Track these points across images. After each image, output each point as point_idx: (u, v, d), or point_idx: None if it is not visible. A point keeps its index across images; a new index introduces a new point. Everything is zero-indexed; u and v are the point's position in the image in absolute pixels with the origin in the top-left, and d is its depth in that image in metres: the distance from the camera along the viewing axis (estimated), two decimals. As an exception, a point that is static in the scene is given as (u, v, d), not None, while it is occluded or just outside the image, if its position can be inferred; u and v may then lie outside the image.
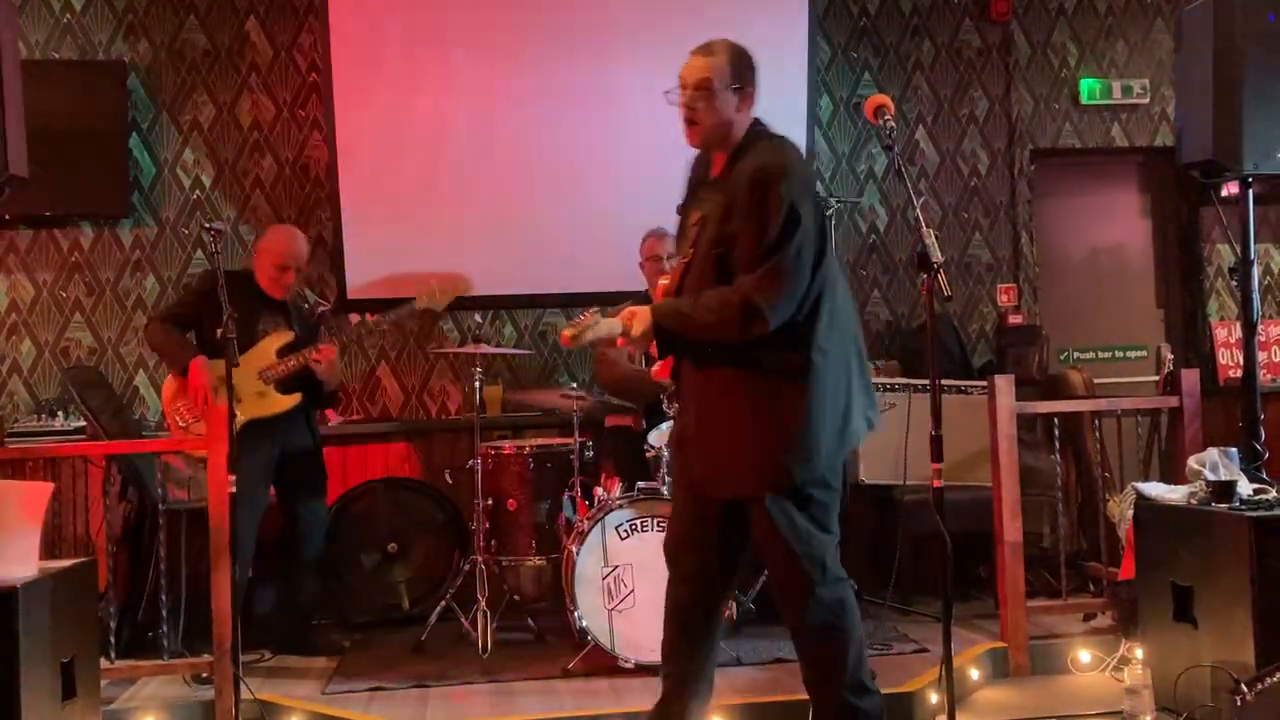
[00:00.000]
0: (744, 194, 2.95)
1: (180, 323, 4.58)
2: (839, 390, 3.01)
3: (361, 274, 5.63)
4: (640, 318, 3.05)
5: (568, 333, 3.08)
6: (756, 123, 3.14)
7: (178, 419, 4.50)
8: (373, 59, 5.66)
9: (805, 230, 2.92)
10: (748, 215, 2.94)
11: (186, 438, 4.41)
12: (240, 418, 4.41)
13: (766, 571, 3.21)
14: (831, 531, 3.06)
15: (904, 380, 4.95)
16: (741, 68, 3.13)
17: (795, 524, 2.98)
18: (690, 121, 3.09)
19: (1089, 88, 6.26)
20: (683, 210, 3.32)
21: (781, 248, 2.90)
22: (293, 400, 4.56)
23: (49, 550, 3.93)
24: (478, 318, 5.19)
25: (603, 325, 3.08)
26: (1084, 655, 4.16)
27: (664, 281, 3.26)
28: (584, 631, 4.14)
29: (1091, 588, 4.67)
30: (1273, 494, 3.61)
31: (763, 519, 2.99)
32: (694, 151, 3.30)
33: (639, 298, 5.06)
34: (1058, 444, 4.48)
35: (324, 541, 4.76)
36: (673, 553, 3.21)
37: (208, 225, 3.99)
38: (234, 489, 3.69)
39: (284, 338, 4.58)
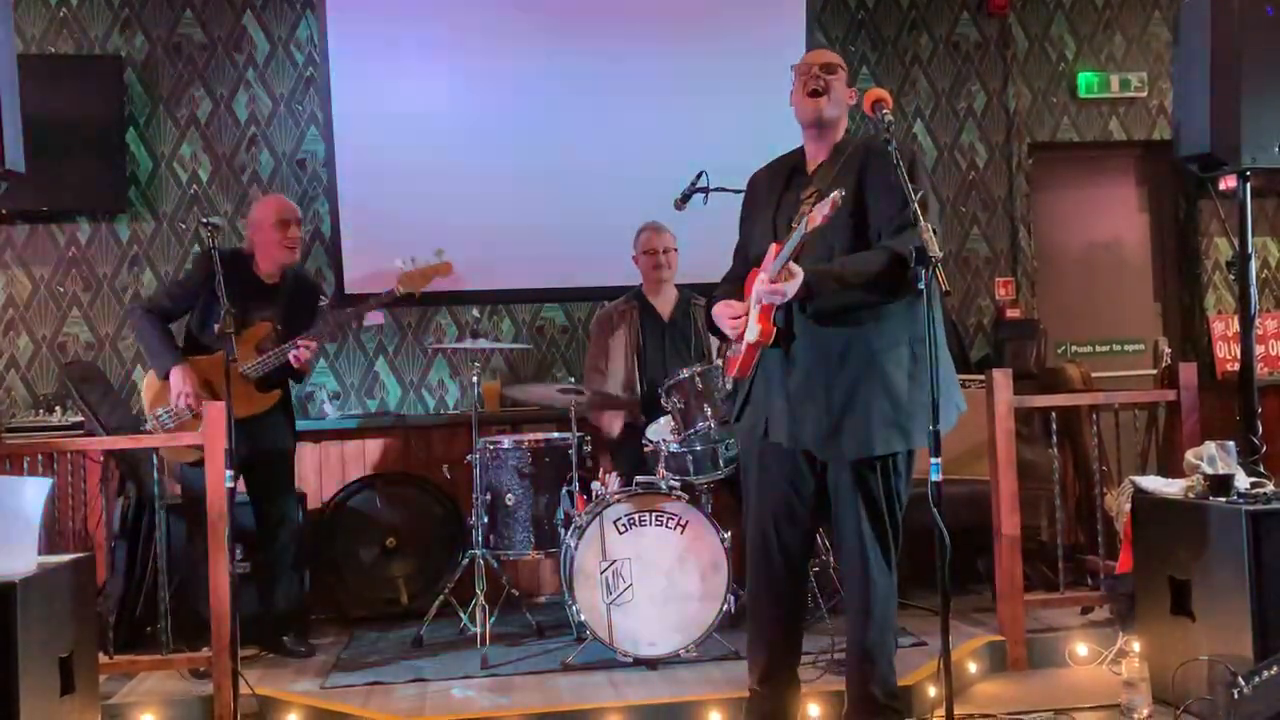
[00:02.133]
0: (886, 167, 3.08)
1: (166, 314, 4.49)
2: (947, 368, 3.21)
3: (359, 268, 5.62)
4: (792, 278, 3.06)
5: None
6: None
7: (156, 425, 4.41)
8: (370, 53, 5.66)
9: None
10: (890, 186, 3.07)
11: (178, 435, 4.37)
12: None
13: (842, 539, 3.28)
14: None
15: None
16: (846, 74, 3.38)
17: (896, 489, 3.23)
18: (818, 92, 3.27)
19: (1087, 81, 6.27)
20: (773, 205, 3.38)
21: (922, 214, 3.00)
22: (273, 398, 4.51)
23: (47, 545, 3.92)
24: (475, 312, 5.20)
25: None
26: (1081, 648, 4.17)
27: (775, 245, 3.19)
28: (582, 625, 4.15)
29: (1089, 581, 4.67)
30: (1270, 487, 3.61)
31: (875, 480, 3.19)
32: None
33: (635, 292, 5.09)
34: (1055, 438, 4.48)
35: (292, 540, 4.61)
36: (769, 525, 3.32)
37: (205, 220, 3.98)
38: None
39: (262, 330, 4.46)
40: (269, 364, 4.41)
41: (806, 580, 3.46)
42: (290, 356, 4.40)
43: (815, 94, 3.26)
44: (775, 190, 3.40)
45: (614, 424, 4.99)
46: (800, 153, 3.41)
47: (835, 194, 2.95)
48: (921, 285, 2.87)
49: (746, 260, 3.40)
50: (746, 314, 3.24)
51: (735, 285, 3.37)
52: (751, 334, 3.20)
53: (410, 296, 4.63)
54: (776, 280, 3.05)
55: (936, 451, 2.94)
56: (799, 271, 3.03)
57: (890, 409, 3.14)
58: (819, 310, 3.16)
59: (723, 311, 3.31)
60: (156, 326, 4.44)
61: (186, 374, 4.34)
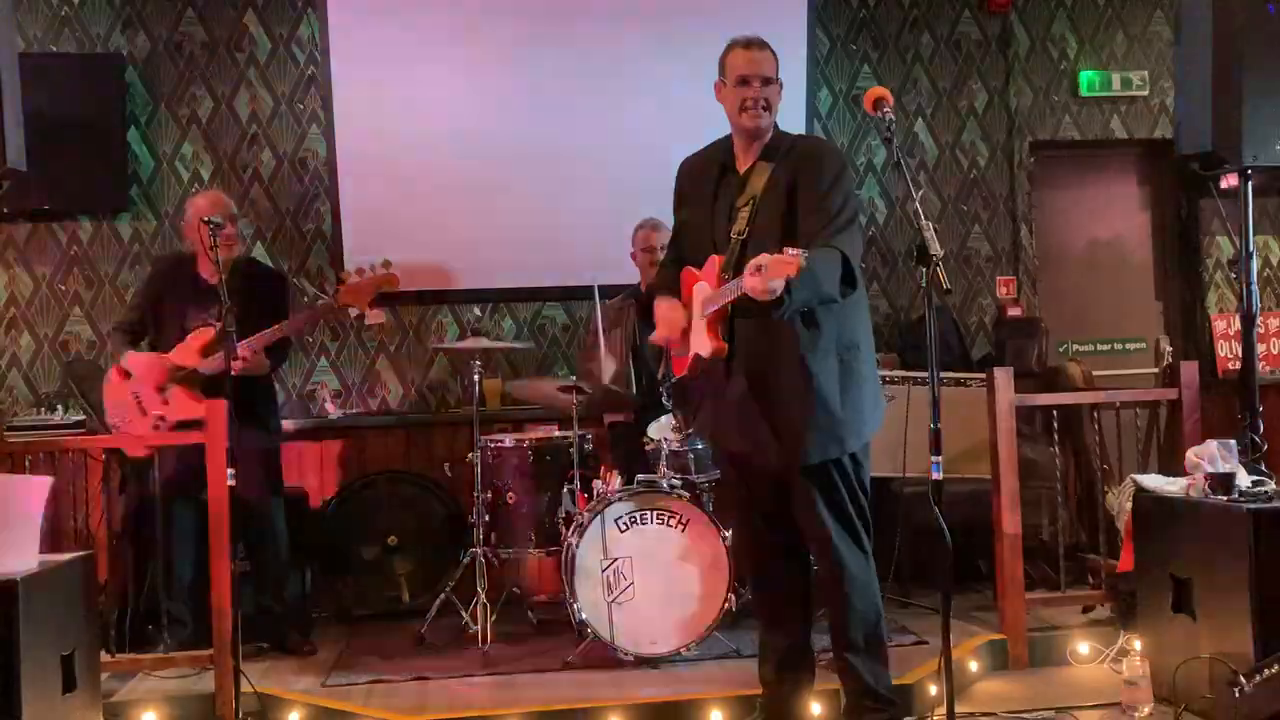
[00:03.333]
0: (814, 168, 3.20)
1: (134, 328, 4.50)
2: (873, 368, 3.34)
3: (360, 267, 5.61)
4: (784, 264, 3.00)
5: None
6: None
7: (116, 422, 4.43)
8: (371, 52, 5.66)
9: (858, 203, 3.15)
10: (814, 186, 3.17)
11: (181, 435, 4.34)
12: (171, 418, 4.36)
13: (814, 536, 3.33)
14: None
15: (903, 373, 4.96)
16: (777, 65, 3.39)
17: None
18: (766, 109, 3.31)
19: (1088, 80, 6.26)
20: (706, 201, 3.43)
21: (853, 213, 3.15)
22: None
23: (49, 544, 3.92)
24: (477, 311, 5.20)
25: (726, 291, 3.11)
26: (1083, 647, 4.17)
27: (716, 258, 3.28)
28: (583, 624, 4.15)
29: (1090, 580, 4.67)
30: (1271, 486, 3.61)
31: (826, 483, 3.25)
32: (687, 147, 3.53)
33: (634, 290, 5.09)
34: (1056, 436, 4.48)
35: (274, 541, 4.54)
36: (757, 521, 3.45)
37: (206, 219, 3.98)
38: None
39: (204, 335, 4.37)
40: (209, 369, 4.30)
41: (809, 567, 3.47)
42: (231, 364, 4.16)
43: (766, 110, 3.29)
44: (709, 185, 3.42)
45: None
46: (729, 147, 3.41)
47: (788, 267, 2.88)
48: (925, 283, 2.91)
49: (681, 248, 3.52)
50: (688, 324, 3.33)
51: (674, 276, 3.47)
52: (703, 348, 3.24)
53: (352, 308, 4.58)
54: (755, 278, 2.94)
55: (937, 450, 2.94)
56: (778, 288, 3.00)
57: (824, 418, 3.18)
58: (751, 318, 3.17)
59: (667, 316, 3.38)
60: (122, 343, 4.49)
61: (137, 363, 4.39)
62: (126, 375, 4.43)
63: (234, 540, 3.96)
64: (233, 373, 3.97)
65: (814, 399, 3.18)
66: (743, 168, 3.36)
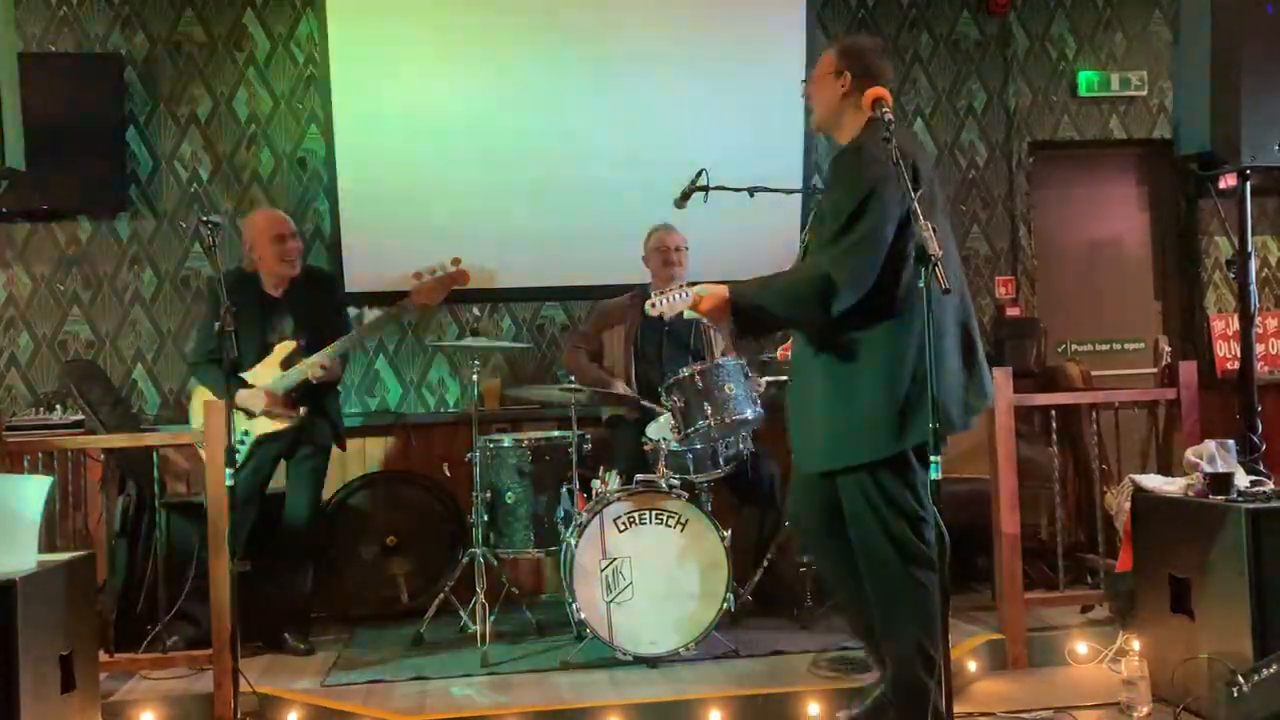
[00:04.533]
0: (829, 180, 3.25)
1: (215, 359, 4.38)
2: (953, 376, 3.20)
3: (360, 267, 5.63)
4: (712, 295, 3.20)
5: (655, 309, 3.28)
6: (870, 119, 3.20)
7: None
8: (370, 51, 5.66)
9: (882, 211, 3.02)
10: (827, 196, 3.19)
11: (180, 434, 4.38)
12: (255, 433, 4.44)
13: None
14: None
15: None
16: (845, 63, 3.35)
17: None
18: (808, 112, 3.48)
19: (1087, 80, 6.26)
20: None
21: (854, 227, 3.04)
22: (296, 413, 4.49)
23: (48, 544, 3.93)
24: (475, 311, 5.20)
25: (679, 301, 3.24)
26: (1081, 647, 4.17)
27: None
28: (582, 624, 4.15)
29: (1089, 579, 4.68)
30: (1269, 486, 3.62)
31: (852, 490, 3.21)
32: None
33: (642, 289, 5.10)
34: (1055, 436, 4.48)
35: (293, 538, 4.57)
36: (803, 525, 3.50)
37: (205, 219, 3.97)
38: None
39: (287, 348, 4.51)
40: (290, 380, 4.45)
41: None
42: (310, 375, 4.44)
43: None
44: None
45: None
46: None
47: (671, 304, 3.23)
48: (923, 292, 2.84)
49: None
50: None
51: None
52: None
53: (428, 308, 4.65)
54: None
55: (936, 450, 2.94)
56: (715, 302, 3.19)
57: (842, 424, 3.15)
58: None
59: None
60: (210, 373, 4.48)
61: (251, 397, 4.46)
62: (251, 415, 4.47)
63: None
64: (314, 381, 4.40)
65: (836, 405, 3.16)
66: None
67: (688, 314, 3.29)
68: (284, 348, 4.52)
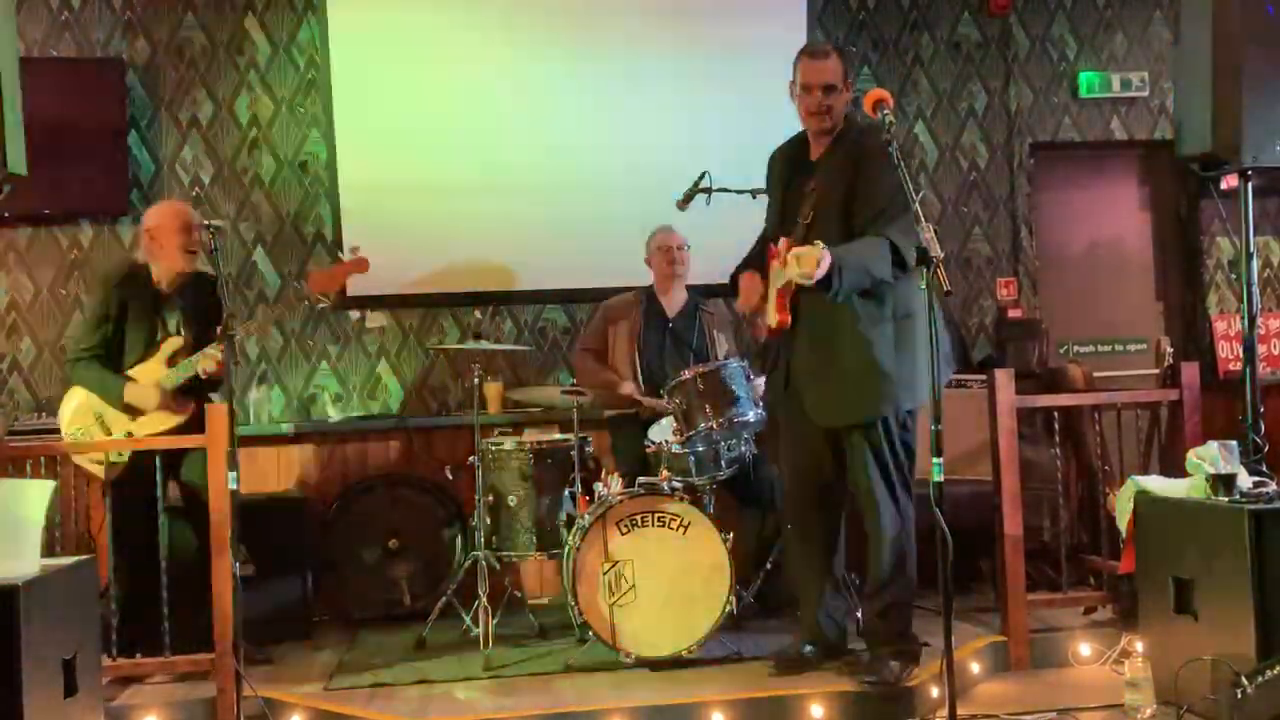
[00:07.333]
0: (868, 160, 3.61)
1: (96, 351, 4.32)
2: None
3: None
4: (808, 255, 3.41)
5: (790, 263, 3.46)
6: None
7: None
8: (371, 54, 5.67)
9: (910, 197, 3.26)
10: (879, 180, 3.56)
11: (178, 440, 4.31)
12: (140, 434, 4.28)
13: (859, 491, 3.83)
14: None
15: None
16: (846, 68, 3.80)
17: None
18: (827, 113, 3.75)
19: (1088, 81, 6.26)
20: (783, 186, 3.93)
21: (906, 207, 3.25)
22: (188, 411, 4.32)
23: (50, 548, 3.93)
24: (477, 314, 5.20)
25: (818, 252, 3.41)
26: (1084, 649, 4.17)
27: (785, 241, 3.72)
28: (584, 627, 4.14)
29: (1092, 581, 4.67)
30: (1272, 487, 3.60)
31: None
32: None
33: (646, 289, 5.12)
34: (1058, 437, 4.48)
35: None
36: (801, 483, 3.94)
37: (207, 223, 3.97)
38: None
39: (175, 344, 4.36)
40: (179, 378, 4.28)
41: (838, 528, 3.98)
42: (199, 370, 4.24)
43: (823, 114, 3.73)
44: (788, 171, 3.90)
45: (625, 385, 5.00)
46: (806, 139, 3.89)
47: (808, 261, 3.38)
48: (915, 274, 3.24)
49: (769, 228, 3.96)
50: (764, 296, 3.81)
51: (759, 253, 3.95)
52: (770, 320, 3.79)
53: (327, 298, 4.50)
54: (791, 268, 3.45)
55: (938, 451, 2.94)
56: (825, 264, 3.40)
57: (876, 380, 3.64)
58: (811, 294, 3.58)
59: (746, 287, 3.90)
60: (93, 370, 4.32)
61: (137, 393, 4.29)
62: (134, 415, 4.32)
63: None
64: (204, 376, 4.25)
65: (868, 363, 3.63)
66: (815, 157, 3.84)
67: (797, 278, 3.45)
68: (171, 344, 4.36)
